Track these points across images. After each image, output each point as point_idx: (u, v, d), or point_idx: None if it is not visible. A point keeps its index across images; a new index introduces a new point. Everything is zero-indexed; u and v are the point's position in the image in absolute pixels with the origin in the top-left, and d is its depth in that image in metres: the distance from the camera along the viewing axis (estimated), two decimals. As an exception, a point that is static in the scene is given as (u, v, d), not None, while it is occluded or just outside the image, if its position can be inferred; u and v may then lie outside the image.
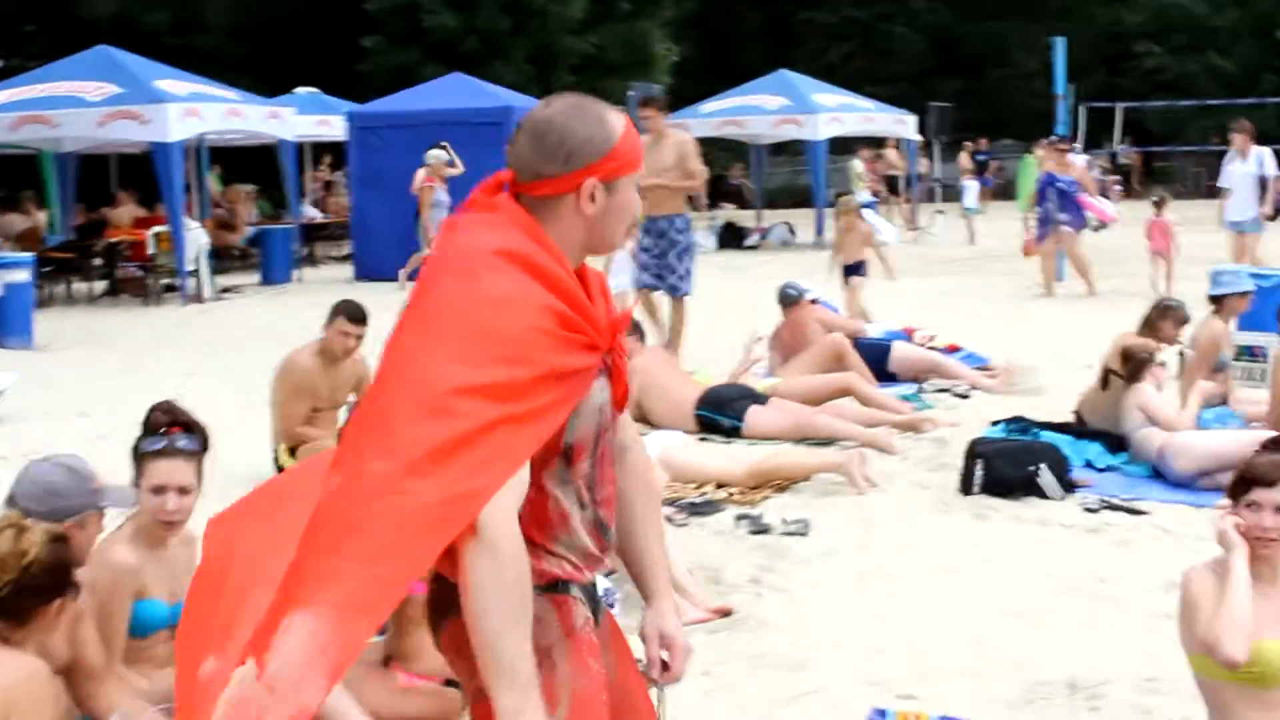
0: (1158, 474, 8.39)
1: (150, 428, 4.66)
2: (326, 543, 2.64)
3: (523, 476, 2.69)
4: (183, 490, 4.58)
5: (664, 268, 11.97)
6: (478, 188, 2.92)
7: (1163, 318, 9.32)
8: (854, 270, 15.02)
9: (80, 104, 19.15)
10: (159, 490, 4.57)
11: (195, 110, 19.78)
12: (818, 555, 7.05)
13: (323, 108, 27.32)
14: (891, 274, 16.17)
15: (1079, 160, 37.45)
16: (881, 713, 5.12)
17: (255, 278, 22.42)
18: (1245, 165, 17.41)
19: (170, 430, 4.62)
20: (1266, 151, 17.54)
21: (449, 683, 4.90)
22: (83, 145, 23.09)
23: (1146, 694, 5.32)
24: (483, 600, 2.61)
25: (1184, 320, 9.43)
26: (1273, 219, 17.87)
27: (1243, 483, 4.34)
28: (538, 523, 2.82)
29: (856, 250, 15.16)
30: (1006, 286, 17.85)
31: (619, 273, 12.42)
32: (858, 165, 29.42)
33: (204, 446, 4.69)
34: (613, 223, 2.88)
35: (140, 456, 4.63)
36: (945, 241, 26.77)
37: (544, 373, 2.70)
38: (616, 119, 2.87)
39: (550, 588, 2.85)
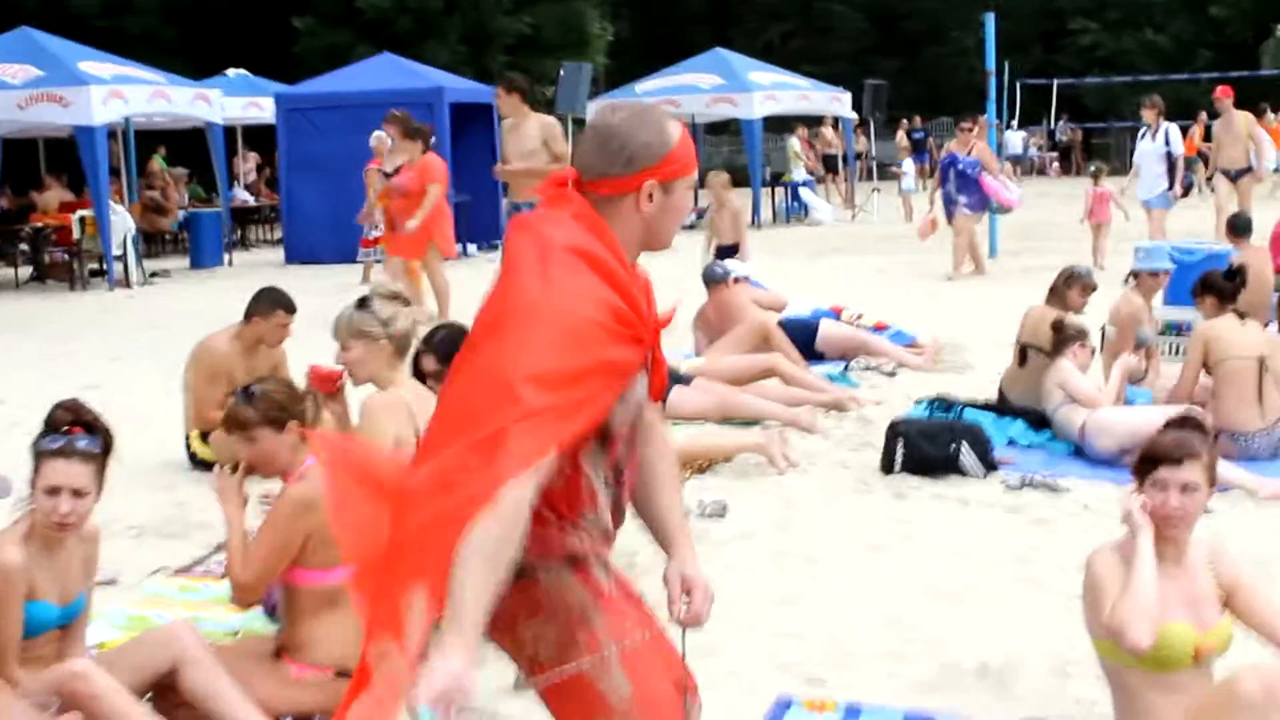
0: (1080, 452, 8.36)
1: (51, 426, 4.51)
2: (420, 524, 2.87)
3: (550, 457, 2.86)
4: (77, 493, 4.42)
5: None
6: (547, 182, 3.12)
7: (1069, 285, 9.30)
8: (728, 253, 14.41)
9: (1, 87, 18.81)
10: (53, 491, 4.41)
11: (119, 93, 19.44)
12: (735, 537, 6.97)
13: (252, 90, 27.03)
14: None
15: (1016, 138, 37.66)
16: (787, 700, 5.04)
17: (185, 262, 22.15)
18: (1154, 142, 17.47)
19: (71, 430, 4.47)
20: (1173, 128, 17.58)
21: (341, 674, 4.79)
22: (5, 129, 22.71)
23: (1058, 676, 5.27)
24: (467, 545, 2.74)
25: (1090, 288, 9.40)
26: (1184, 196, 17.92)
27: (1148, 461, 4.28)
28: (569, 500, 3.05)
29: (729, 231, 14.66)
30: (941, 264, 17.80)
31: None
32: (795, 144, 29.39)
33: (105, 448, 4.53)
34: (669, 221, 3.10)
35: (38, 455, 4.47)
36: (881, 220, 26.77)
37: (597, 363, 2.90)
38: (674, 126, 3.09)
39: (571, 560, 3.08)
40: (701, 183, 15.71)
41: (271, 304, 8.32)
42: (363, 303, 5.58)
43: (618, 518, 3.20)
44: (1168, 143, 17.31)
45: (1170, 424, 4.43)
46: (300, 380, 5.84)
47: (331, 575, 4.79)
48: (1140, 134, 17.99)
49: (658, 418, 3.39)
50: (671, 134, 3.07)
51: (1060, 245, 19.19)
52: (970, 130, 17.61)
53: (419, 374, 5.85)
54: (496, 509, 2.76)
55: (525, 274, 2.95)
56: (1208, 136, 25.36)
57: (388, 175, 13.36)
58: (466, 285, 13.34)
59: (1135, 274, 9.69)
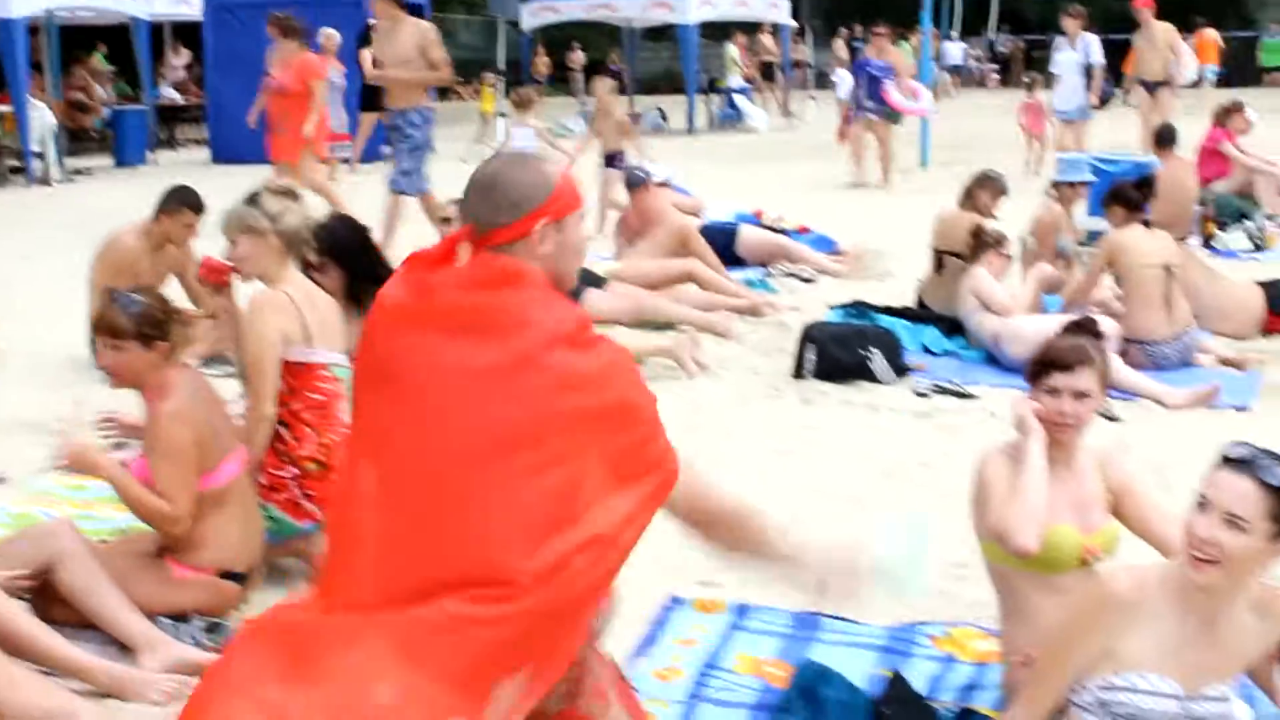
0: (994, 359, 8.35)
1: None
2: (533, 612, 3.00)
3: None
4: None
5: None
6: (448, 243, 3.18)
7: (980, 187, 9.31)
8: (611, 161, 13.90)
9: (-84, -23, 18.36)
10: None
11: (40, -15, 19.05)
12: (640, 440, 6.90)
13: (182, -14, 26.47)
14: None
15: (955, 48, 37.55)
16: (678, 600, 5.01)
17: (110, 160, 21.80)
18: (1073, 53, 17.40)
19: None
20: (1094, 39, 17.50)
21: (225, 575, 4.71)
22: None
23: (953, 580, 5.25)
24: None
25: (1001, 191, 9.41)
26: (1100, 107, 17.85)
27: (1042, 366, 4.23)
28: None
29: (612, 138, 14.17)
30: (873, 173, 17.70)
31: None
32: (733, 50, 29.17)
33: None
34: (568, 258, 3.20)
35: None
36: (816, 128, 26.63)
37: None
38: (552, 165, 3.22)
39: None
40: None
41: (179, 202, 8.20)
42: (252, 198, 5.45)
43: None
44: (1087, 54, 17.25)
45: (1066, 329, 4.38)
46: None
47: (215, 477, 4.69)
48: (1056, 45, 17.93)
49: None
50: (551, 172, 3.17)
51: (993, 156, 19.04)
52: (884, 36, 17.48)
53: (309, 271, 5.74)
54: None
55: (574, 353, 3.09)
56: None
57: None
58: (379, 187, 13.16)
59: (1055, 185, 9.67)
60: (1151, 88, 17.65)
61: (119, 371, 4.70)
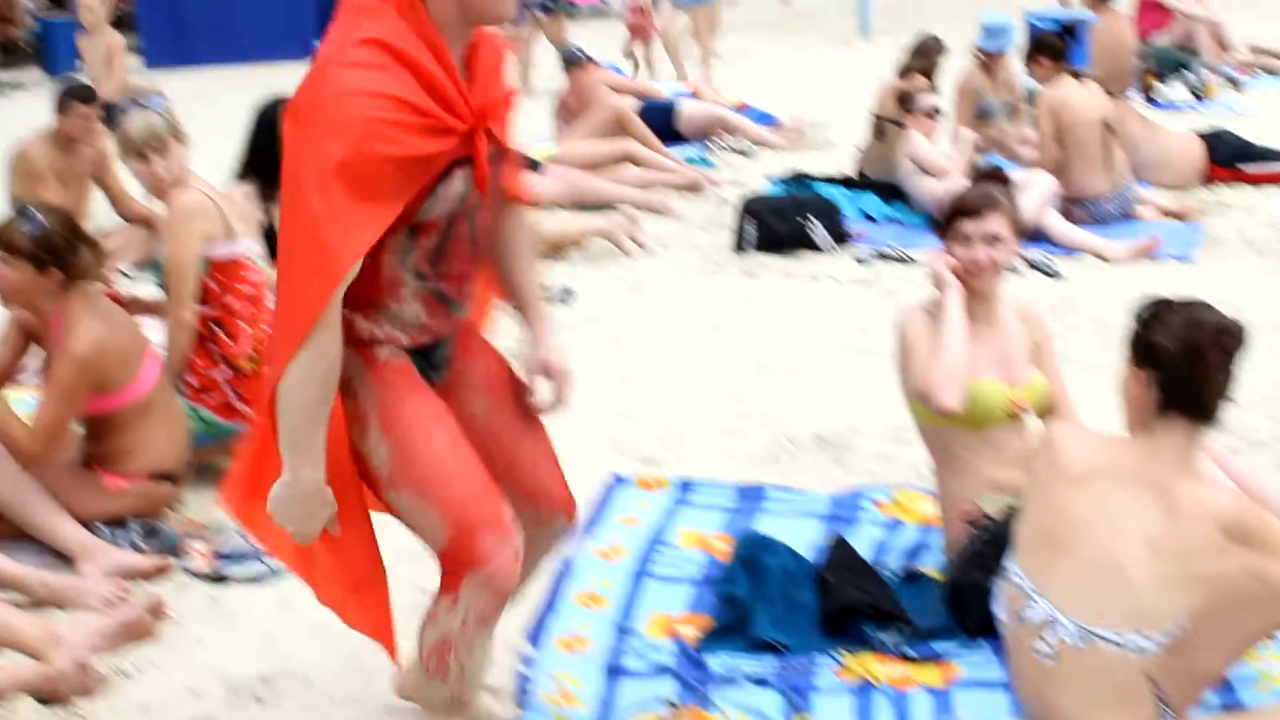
0: (936, 223, 8.28)
1: None
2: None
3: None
4: None
5: None
6: None
7: (917, 54, 9.21)
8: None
9: None
10: None
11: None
12: (579, 321, 6.86)
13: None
14: None
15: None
16: (620, 479, 4.98)
17: (40, 72, 21.35)
18: None
19: None
20: None
21: (157, 477, 4.65)
22: None
23: (894, 444, 5.25)
24: (289, 394, 2.85)
25: (938, 55, 9.36)
26: None
27: (951, 217, 4.21)
28: (364, 290, 2.92)
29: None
30: (817, 40, 17.46)
31: None
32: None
33: None
34: None
35: None
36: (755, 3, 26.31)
37: (381, 158, 2.75)
38: None
39: (358, 342, 3.01)
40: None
41: (68, 98, 8.13)
42: (135, 106, 5.30)
43: (439, 308, 3.09)
44: None
45: (976, 179, 4.34)
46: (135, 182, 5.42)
47: (135, 388, 4.60)
48: None
49: (521, 208, 3.33)
50: None
51: (936, 23, 18.92)
52: None
53: None
54: (311, 349, 2.84)
55: (313, 75, 2.82)
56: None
57: None
58: None
59: (979, 50, 9.57)
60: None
61: (9, 290, 4.55)
